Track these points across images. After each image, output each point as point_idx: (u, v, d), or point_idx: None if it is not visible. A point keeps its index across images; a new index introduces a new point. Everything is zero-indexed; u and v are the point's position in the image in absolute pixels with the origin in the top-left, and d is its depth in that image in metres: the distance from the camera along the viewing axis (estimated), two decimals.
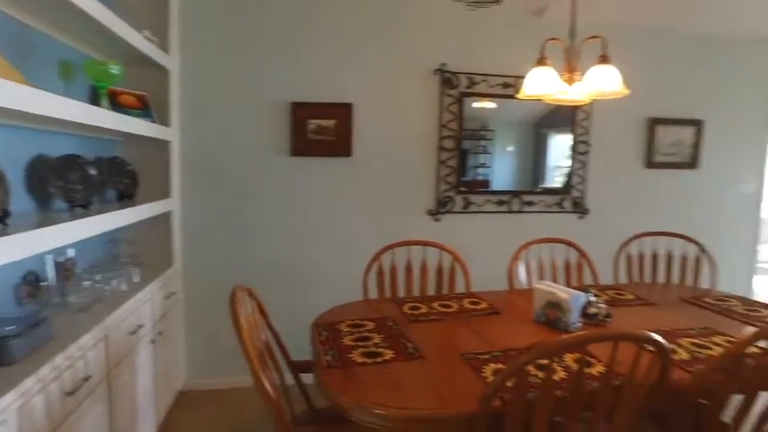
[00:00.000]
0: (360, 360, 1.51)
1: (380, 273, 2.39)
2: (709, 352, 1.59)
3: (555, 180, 3.48)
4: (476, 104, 3.20)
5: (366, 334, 1.73)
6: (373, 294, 2.35)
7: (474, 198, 3.28)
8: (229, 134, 2.87)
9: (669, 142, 3.63)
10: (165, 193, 2.62)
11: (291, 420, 1.39)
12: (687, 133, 3.66)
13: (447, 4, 2.59)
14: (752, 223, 3.96)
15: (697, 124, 3.67)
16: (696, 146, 3.68)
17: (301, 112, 2.87)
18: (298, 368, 1.81)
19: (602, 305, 1.84)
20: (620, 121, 3.53)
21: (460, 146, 3.19)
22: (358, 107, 2.99)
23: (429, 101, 3.13)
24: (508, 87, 3.21)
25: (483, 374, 1.41)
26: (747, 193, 3.91)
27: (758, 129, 3.87)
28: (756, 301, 2.29)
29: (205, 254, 2.89)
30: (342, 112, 2.93)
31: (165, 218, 2.64)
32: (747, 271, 4.00)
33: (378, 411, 1.25)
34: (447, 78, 3.10)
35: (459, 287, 2.43)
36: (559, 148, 3.47)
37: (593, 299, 1.83)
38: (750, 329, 1.84)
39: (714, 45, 3.68)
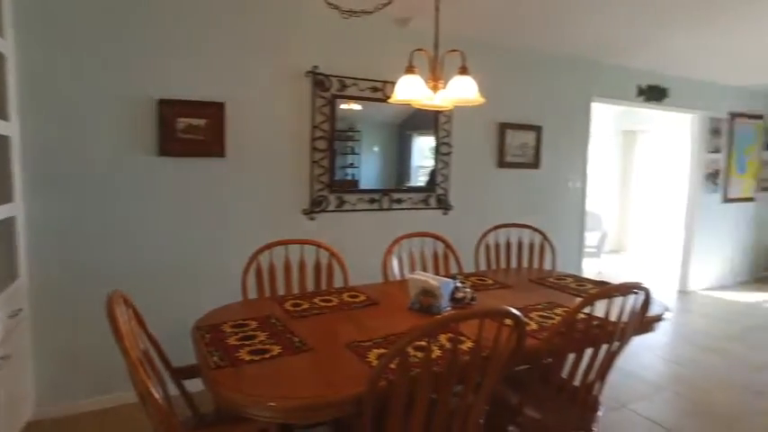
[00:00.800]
0: (248, 358, 1.52)
1: (259, 272, 2.39)
2: (552, 321, 1.89)
3: (419, 179, 3.75)
4: (343, 106, 3.32)
5: (251, 333, 1.73)
6: (253, 294, 2.34)
7: (347, 197, 3.40)
8: (86, 131, 2.61)
9: (517, 145, 4.12)
10: (4, 197, 2.31)
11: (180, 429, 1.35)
12: (530, 137, 4.19)
13: (321, 8, 2.66)
14: (579, 214, 4.66)
15: (537, 129, 4.22)
16: (537, 148, 4.24)
17: (169, 110, 2.73)
18: (180, 375, 1.75)
19: (468, 290, 2.07)
20: (477, 125, 3.92)
21: (332, 146, 3.28)
22: (231, 107, 2.92)
23: (302, 102, 3.17)
24: (377, 91, 3.39)
25: (368, 360, 1.52)
26: (576, 189, 4.59)
27: (582, 134, 4.58)
28: (585, 278, 2.75)
29: (59, 263, 2.60)
30: (213, 111, 2.84)
31: (5, 225, 2.33)
32: (578, 253, 4.69)
33: (273, 404, 1.28)
34: (319, 80, 3.18)
35: (338, 283, 2.53)
36: (422, 148, 3.75)
37: (459, 285, 2.04)
38: (578, 300, 2.22)
39: (549, 61, 4.27)
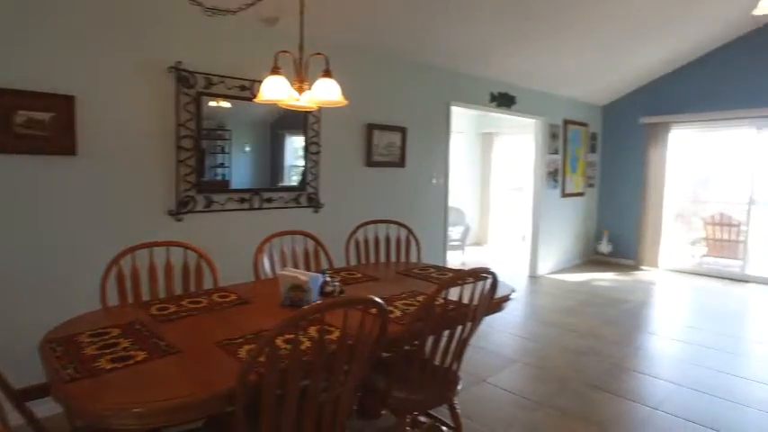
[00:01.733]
0: (109, 366, 1.45)
1: (121, 278, 2.25)
2: (413, 308, 2.07)
3: (292, 178, 3.79)
4: (212, 104, 3.24)
5: (112, 341, 1.65)
6: (114, 302, 2.20)
7: (216, 197, 3.32)
8: None
9: (384, 145, 4.34)
10: None
11: None
12: (396, 137, 4.44)
13: (184, 3, 2.57)
14: (443, 210, 5.05)
15: (402, 130, 4.48)
16: (403, 148, 4.50)
17: (5, 100, 2.43)
18: (25, 397, 1.60)
19: (337, 284, 2.17)
20: (345, 125, 4.06)
21: (200, 145, 3.18)
22: (83, 101, 2.69)
23: (165, 99, 3.03)
24: (245, 90, 3.35)
25: (239, 356, 1.55)
26: (439, 186, 4.97)
27: (443, 135, 4.96)
28: (446, 268, 3.02)
29: None
30: (61, 104, 2.59)
31: None
32: (442, 246, 5.08)
33: (137, 410, 1.25)
34: (183, 77, 3.06)
35: (208, 284, 2.48)
36: (296, 148, 3.79)
37: (328, 279, 2.14)
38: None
39: (413, 67, 4.55)
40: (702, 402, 2.97)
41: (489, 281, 1.99)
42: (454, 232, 7.10)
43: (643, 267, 6.89)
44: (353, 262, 3.21)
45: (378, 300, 1.51)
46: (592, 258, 7.41)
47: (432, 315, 1.88)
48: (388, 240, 3.37)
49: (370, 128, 4.22)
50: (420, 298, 2.23)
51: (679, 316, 4.85)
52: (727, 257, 7.01)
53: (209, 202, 3.29)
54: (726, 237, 7.04)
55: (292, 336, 1.40)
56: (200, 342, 1.71)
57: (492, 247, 8.71)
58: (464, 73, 5.05)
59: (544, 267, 6.52)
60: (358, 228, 3.32)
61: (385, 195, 4.44)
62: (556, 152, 6.51)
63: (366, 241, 3.31)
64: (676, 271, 6.81)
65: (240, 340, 1.68)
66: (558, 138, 6.52)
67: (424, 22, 3.93)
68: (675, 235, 8.06)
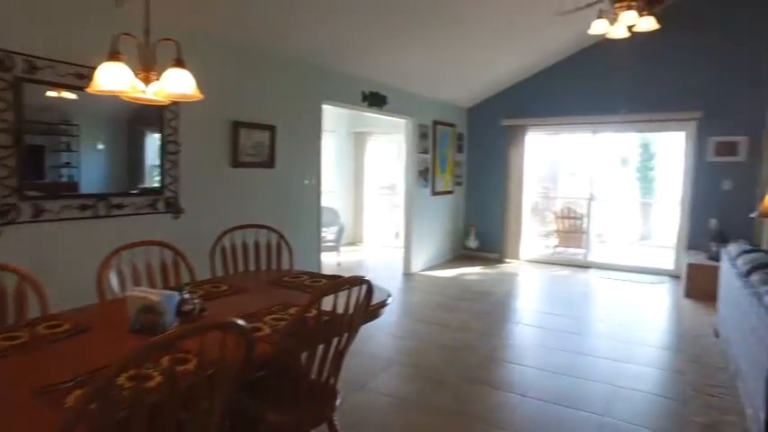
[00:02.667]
0: None
1: None
2: (284, 323, 1.90)
3: (155, 180, 3.37)
4: (51, 93, 2.74)
5: None
6: None
7: (49, 204, 2.81)
8: None
9: (251, 144, 4.07)
10: None
11: None
12: (265, 136, 4.19)
13: None
14: (316, 210, 4.90)
15: (271, 129, 4.24)
16: (272, 147, 4.26)
17: None
18: None
19: (197, 301, 1.92)
20: (208, 122, 3.71)
21: (22, 141, 2.66)
22: None
23: None
24: (83, 78, 2.87)
25: (65, 405, 1.25)
26: (311, 186, 4.81)
27: (315, 134, 4.81)
28: (320, 274, 2.88)
29: None
30: None
31: None
32: (316, 248, 4.93)
33: None
34: None
35: (34, 313, 2.05)
36: (156, 147, 3.38)
37: (186, 296, 1.88)
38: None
39: (283, 63, 4.33)
40: (562, 384, 3.21)
41: (365, 288, 1.89)
42: (328, 233, 6.99)
43: (507, 260, 7.42)
44: (220, 272, 2.92)
45: (239, 322, 1.32)
46: (461, 253, 7.80)
47: (305, 329, 1.72)
48: (257, 247, 3.14)
49: (237, 126, 3.92)
50: (292, 311, 2.06)
51: (537, 304, 5.28)
52: (574, 247, 7.85)
53: (39, 211, 2.77)
54: (572, 229, 7.86)
55: (140, 370, 1.15)
56: (10, 391, 1.36)
57: (367, 246, 8.76)
58: (336, 71, 4.95)
59: (418, 264, 6.69)
60: (224, 234, 3.04)
61: (254, 198, 4.17)
62: (426, 152, 6.72)
63: (234, 249, 3.04)
64: (534, 261, 7.44)
65: (70, 383, 1.36)
66: (427, 138, 6.73)
67: (291, 15, 3.75)
68: (532, 228, 8.83)
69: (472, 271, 6.76)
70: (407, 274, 6.47)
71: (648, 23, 3.80)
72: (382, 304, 2.26)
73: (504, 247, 7.48)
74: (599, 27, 3.91)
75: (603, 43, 6.38)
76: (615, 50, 6.21)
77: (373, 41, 4.62)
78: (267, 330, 1.81)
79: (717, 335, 4.10)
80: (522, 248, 7.45)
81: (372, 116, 6.32)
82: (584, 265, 7.11)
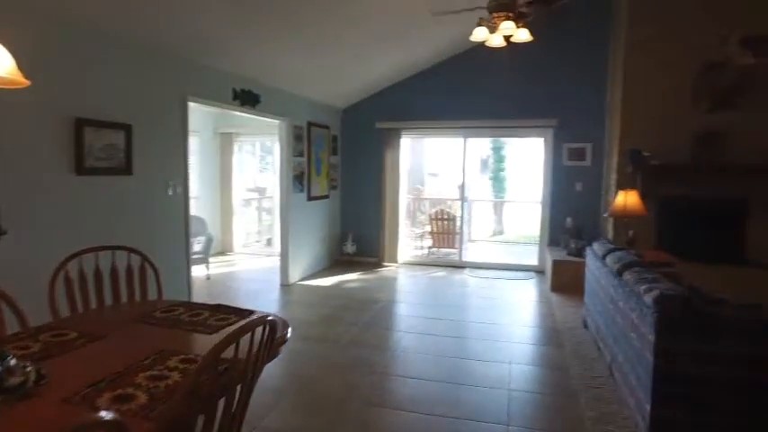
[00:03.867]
0: None
1: None
2: (167, 382, 1.47)
3: None
4: None
5: None
6: None
7: None
8: None
9: (101, 146, 3.38)
10: None
11: None
12: (119, 137, 3.52)
13: None
14: (183, 221, 4.30)
15: (127, 128, 3.58)
16: (128, 150, 3.60)
17: None
18: None
19: (29, 367, 1.38)
20: (40, 118, 2.98)
21: None
22: None
23: None
24: None
25: None
26: (177, 195, 4.20)
27: (180, 135, 4.21)
28: (198, 304, 2.41)
29: None
30: None
31: None
32: (185, 264, 4.33)
33: None
34: None
35: None
36: None
37: (12, 362, 1.34)
38: (199, 340, 1.89)
39: (141, 51, 3.68)
40: (463, 396, 3.14)
41: (268, 329, 1.55)
42: (195, 244, 6.30)
43: (385, 263, 7.37)
44: (65, 312, 2.29)
45: (104, 417, 0.91)
46: (339, 259, 7.58)
47: (200, 392, 1.33)
48: (114, 273, 2.55)
49: (81, 123, 3.21)
50: (174, 361, 1.62)
51: (422, 309, 5.24)
52: (447, 247, 8.11)
53: None
54: (446, 230, 8.11)
55: None
56: None
57: (238, 256, 8.12)
58: (204, 64, 4.39)
59: (296, 274, 6.32)
60: (69, 260, 2.39)
61: (107, 211, 3.48)
62: (301, 155, 6.37)
63: (83, 278, 2.42)
64: (411, 264, 7.51)
65: None
66: (302, 140, 6.39)
67: None
68: (408, 230, 8.96)
69: (353, 277, 6.58)
70: (286, 286, 6.06)
71: (524, 35, 3.96)
72: (282, 340, 1.94)
73: (381, 250, 7.43)
74: (479, 34, 3.97)
75: (474, 51, 6.64)
76: (485, 59, 6.50)
77: (244, 35, 4.18)
78: (143, 398, 1.37)
79: (585, 325, 4.43)
80: (399, 251, 7.48)
81: (240, 116, 5.81)
82: (459, 266, 7.35)
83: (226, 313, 2.18)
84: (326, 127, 7.06)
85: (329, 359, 3.73)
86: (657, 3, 5.58)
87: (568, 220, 6.64)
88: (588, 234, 6.46)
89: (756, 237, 5.65)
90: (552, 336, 4.33)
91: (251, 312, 2.21)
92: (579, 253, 6.07)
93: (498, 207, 13.01)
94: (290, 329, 2.00)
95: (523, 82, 6.71)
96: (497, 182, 16.68)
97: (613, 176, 6.07)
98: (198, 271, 6.16)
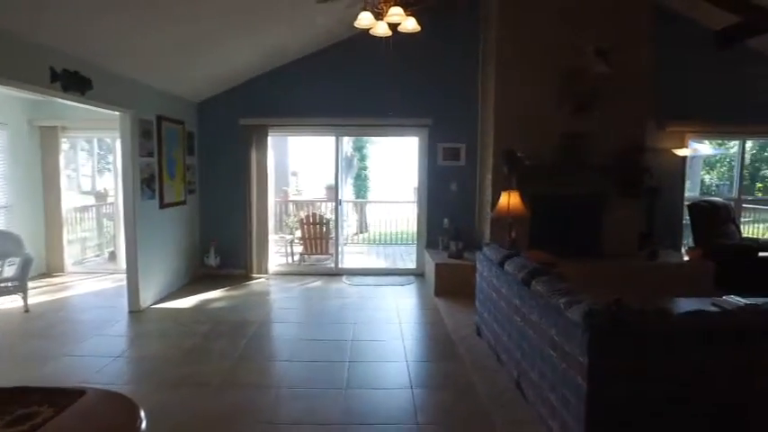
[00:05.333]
0: None
1: None
2: None
3: None
4: None
5: None
6: None
7: None
8: None
9: None
10: None
11: None
12: None
13: None
14: None
15: None
16: None
17: None
18: None
19: None
20: None
21: None
22: None
23: None
24: None
25: None
26: None
27: None
28: None
29: None
30: None
31: None
32: None
33: None
34: None
35: None
36: None
37: None
38: None
39: None
40: None
41: None
42: (5, 268, 4.96)
43: (254, 275, 6.61)
44: None
45: None
46: (200, 273, 6.62)
47: None
48: None
49: None
50: None
51: (301, 329, 4.64)
52: (322, 254, 7.60)
53: None
54: (318, 234, 7.58)
55: None
56: None
57: (72, 276, 6.65)
58: (7, 31, 3.29)
59: (148, 296, 5.28)
60: None
61: None
62: (150, 154, 5.35)
63: None
64: (284, 274, 6.85)
65: None
66: (151, 137, 5.36)
67: None
68: (276, 238, 8.25)
69: (218, 295, 5.72)
70: (136, 312, 5.01)
71: (412, 24, 3.63)
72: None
73: (249, 261, 6.65)
74: (364, 20, 3.56)
75: (351, 44, 6.23)
76: (361, 53, 6.12)
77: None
78: None
79: (479, 333, 4.26)
80: (269, 261, 6.76)
81: (68, 105, 4.66)
82: (336, 273, 6.88)
83: (25, 405, 1.38)
84: (180, 122, 6.07)
85: (198, 411, 2.99)
86: (524, 9, 5.70)
87: (446, 220, 6.57)
88: (466, 235, 6.46)
89: (610, 231, 6.11)
90: (447, 348, 4.08)
91: (80, 393, 1.46)
92: (460, 255, 6.01)
93: (361, 207, 12.80)
94: (142, 420, 1.33)
95: (400, 80, 6.46)
96: (360, 181, 16.59)
97: (489, 177, 6.11)
98: (11, 303, 4.84)
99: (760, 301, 4.11)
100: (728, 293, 5.57)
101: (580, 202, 6.02)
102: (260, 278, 6.56)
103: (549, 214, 5.76)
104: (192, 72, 5.55)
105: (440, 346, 4.14)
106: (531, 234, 5.83)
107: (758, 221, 8.49)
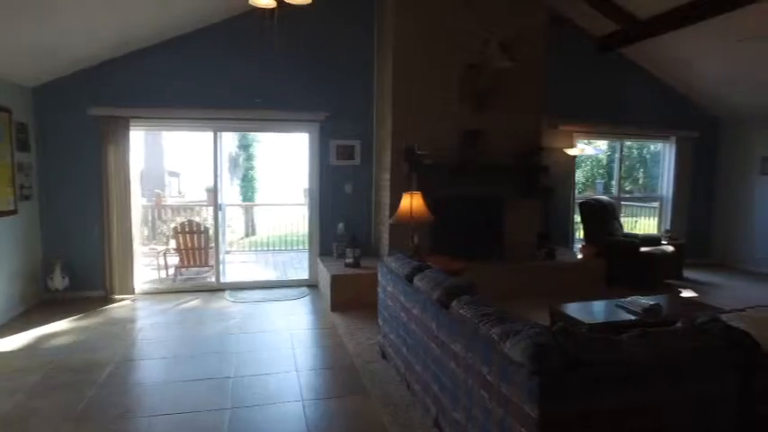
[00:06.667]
0: None
1: None
2: None
3: None
4: None
5: None
6: None
7: None
8: None
9: None
10: None
11: None
12: None
13: None
14: None
15: None
16: None
17: None
18: None
19: None
20: None
21: None
22: None
23: None
24: None
25: None
26: None
27: None
28: None
29: None
30: None
31: None
32: None
33: None
34: None
35: None
36: None
37: None
38: None
39: None
40: None
41: None
42: None
43: (116, 297, 5.49)
44: None
45: None
46: (44, 299, 5.35)
47: None
48: None
49: None
50: None
51: (172, 367, 3.73)
52: (201, 266, 6.63)
53: None
54: (196, 244, 6.59)
55: None
56: None
57: None
58: None
59: None
60: None
61: None
62: None
63: None
64: (154, 293, 5.80)
65: None
66: None
67: None
68: (146, 249, 7.10)
69: (62, 327, 4.57)
70: None
71: None
72: None
73: (109, 279, 5.52)
74: None
75: (232, 25, 5.43)
76: (246, 37, 5.35)
77: None
78: None
79: (384, 356, 3.75)
80: (135, 278, 5.68)
81: None
82: (217, 288, 5.98)
83: None
84: (6, 110, 4.79)
85: None
86: None
87: (340, 225, 6.01)
88: (363, 241, 5.94)
89: (510, 232, 5.97)
90: (351, 378, 3.50)
91: None
92: (358, 263, 5.47)
93: (248, 210, 11.81)
94: None
95: (289, 70, 5.76)
96: (247, 182, 15.46)
97: (386, 177, 5.65)
98: None
99: (654, 300, 4.11)
100: (620, 290, 5.71)
101: (481, 203, 5.80)
102: (124, 300, 5.46)
103: (450, 216, 5.43)
104: (14, 42, 4.31)
105: (342, 377, 3.55)
106: (432, 238, 5.47)
107: (629, 216, 9.08)
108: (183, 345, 4.21)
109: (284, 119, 5.86)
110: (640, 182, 11.92)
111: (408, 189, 4.70)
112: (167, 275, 6.53)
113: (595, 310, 3.99)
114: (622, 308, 3.99)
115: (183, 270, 6.63)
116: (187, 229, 6.57)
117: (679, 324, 2.29)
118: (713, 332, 2.09)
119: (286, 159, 14.14)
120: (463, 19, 5.40)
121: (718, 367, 2.00)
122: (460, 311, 2.38)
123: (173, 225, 7.23)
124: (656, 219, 8.08)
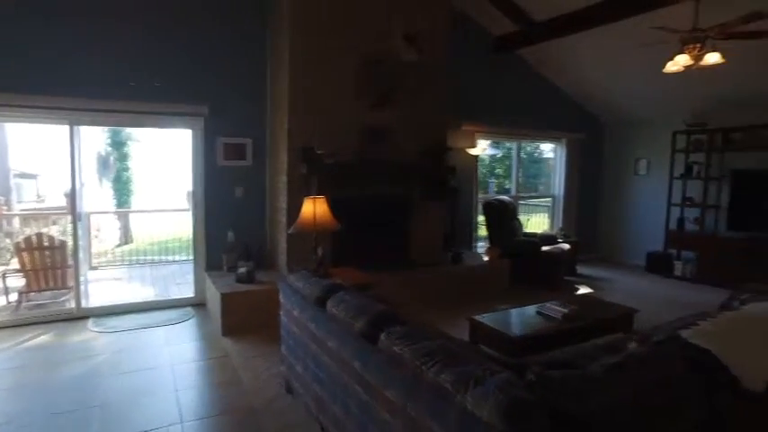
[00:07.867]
0: None
1: None
2: None
3: None
4: None
5: None
6: None
7: None
8: None
9: None
10: None
11: None
12: None
13: None
14: None
15: None
16: None
17: None
18: None
19: None
20: None
21: None
22: None
23: None
24: None
25: None
26: None
27: None
28: None
29: None
30: None
31: None
32: None
33: None
34: None
35: None
36: None
37: None
38: None
39: None
40: None
41: None
42: None
43: None
44: None
45: None
46: None
47: None
48: None
49: None
50: None
51: None
52: (56, 288, 5.44)
53: None
54: (50, 263, 5.40)
55: None
56: None
57: None
58: None
59: None
60: None
61: None
62: None
63: None
64: None
65: None
66: None
67: None
68: None
69: None
70: None
71: None
72: None
73: None
74: None
75: None
76: (107, 4, 4.41)
77: None
78: None
79: (289, 390, 3.18)
80: None
81: None
82: (78, 316, 4.91)
83: None
84: None
85: None
86: None
87: (230, 234, 5.27)
88: (257, 252, 5.27)
89: (417, 236, 5.67)
90: (251, 425, 2.87)
91: None
92: (252, 278, 4.79)
93: (123, 217, 10.38)
94: None
95: (165, 52, 4.89)
96: (120, 185, 13.71)
97: (283, 179, 5.04)
98: None
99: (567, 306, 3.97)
100: (524, 289, 5.68)
101: (387, 206, 5.41)
102: None
103: (354, 221, 4.93)
104: None
105: (240, 425, 2.90)
106: (335, 245, 4.96)
107: (523, 213, 9.34)
108: (22, 401, 3.23)
109: (160, 111, 4.96)
110: (536, 182, 12.42)
111: (308, 192, 4.16)
112: (8, 303, 5.27)
113: (517, 321, 3.77)
114: (542, 314, 3.82)
115: (32, 295, 5.40)
116: (34, 245, 5.36)
117: (634, 344, 2.04)
118: (676, 356, 1.85)
119: (168, 159, 12.69)
120: (365, 9, 4.97)
121: (687, 394, 1.75)
122: (394, 348, 1.91)
123: (16, 241, 5.90)
124: (548, 216, 8.34)
